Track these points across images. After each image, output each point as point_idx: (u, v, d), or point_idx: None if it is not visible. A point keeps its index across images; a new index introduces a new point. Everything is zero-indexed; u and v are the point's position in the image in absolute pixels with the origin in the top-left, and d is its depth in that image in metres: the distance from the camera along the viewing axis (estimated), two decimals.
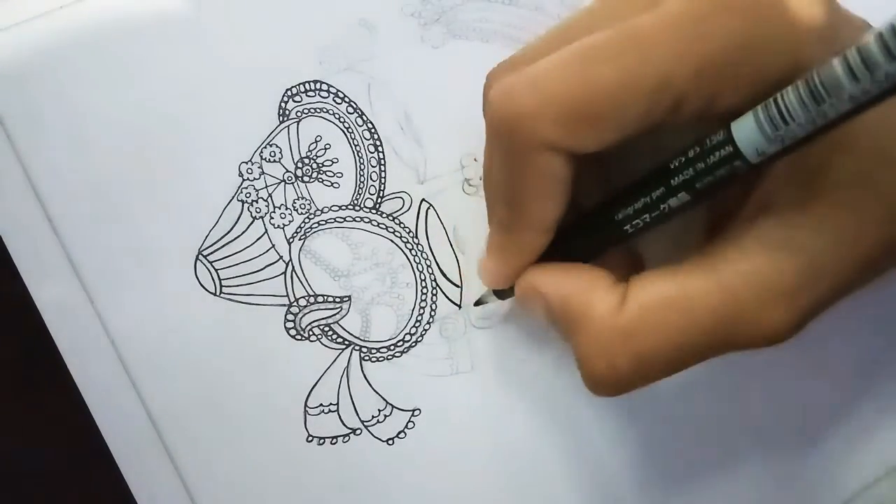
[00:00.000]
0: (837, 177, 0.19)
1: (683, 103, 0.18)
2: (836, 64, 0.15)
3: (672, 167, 0.19)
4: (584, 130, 0.19)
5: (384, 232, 0.26)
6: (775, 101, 0.16)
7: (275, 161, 0.25)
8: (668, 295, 0.19)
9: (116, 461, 0.24)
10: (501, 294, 0.24)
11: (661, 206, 0.19)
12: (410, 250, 0.26)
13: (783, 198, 0.19)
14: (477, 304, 0.26)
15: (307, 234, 0.25)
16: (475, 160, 0.26)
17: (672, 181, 0.19)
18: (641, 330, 0.19)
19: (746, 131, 0.17)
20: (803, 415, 0.27)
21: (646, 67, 0.18)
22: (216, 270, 0.25)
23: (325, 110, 0.25)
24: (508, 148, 0.20)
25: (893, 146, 0.19)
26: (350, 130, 0.25)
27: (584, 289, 0.21)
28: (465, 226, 0.26)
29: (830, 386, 0.27)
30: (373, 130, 0.26)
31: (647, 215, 0.20)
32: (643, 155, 0.20)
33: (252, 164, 0.25)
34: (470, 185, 0.26)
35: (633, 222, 0.20)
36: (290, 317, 0.25)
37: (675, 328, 0.19)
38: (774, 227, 0.19)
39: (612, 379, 0.20)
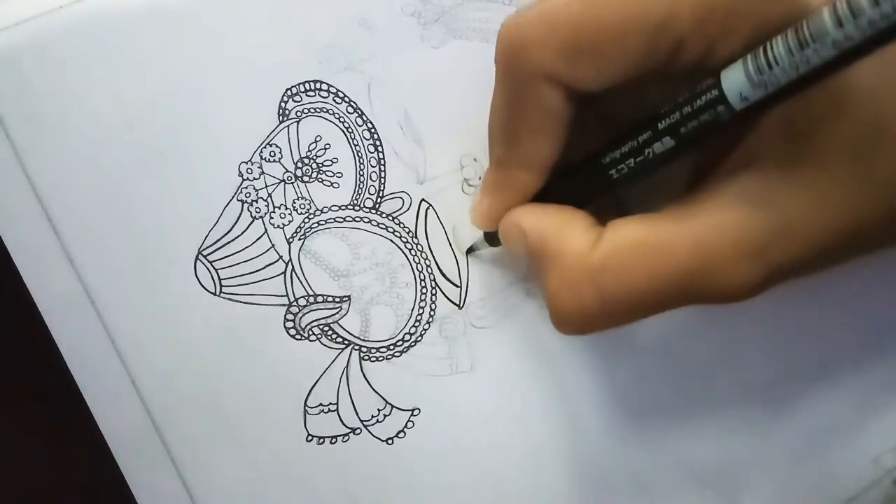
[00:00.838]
0: (827, 142, 0.19)
1: (683, 48, 0.18)
2: (825, 10, 0.15)
3: (661, 112, 0.19)
4: (584, 63, 0.19)
5: (384, 232, 0.26)
6: (764, 48, 0.17)
7: (274, 161, 0.25)
8: (639, 239, 0.20)
9: (117, 461, 0.24)
10: (492, 240, 0.24)
11: (646, 151, 0.20)
12: (410, 250, 0.26)
13: (767, 154, 0.19)
14: (469, 251, 0.26)
15: (307, 234, 0.25)
16: (475, 160, 0.26)
17: (659, 125, 0.19)
18: (610, 270, 0.20)
19: (733, 76, 0.17)
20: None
21: (648, 6, 0.18)
22: (216, 270, 0.25)
23: (324, 110, 0.25)
24: (512, 76, 0.20)
25: (890, 121, 0.18)
26: (350, 130, 0.25)
27: (561, 226, 0.21)
28: (464, 226, 0.26)
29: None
30: (372, 130, 0.26)
31: (632, 160, 0.20)
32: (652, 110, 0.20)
33: (252, 164, 0.25)
34: (469, 185, 0.26)
35: (619, 167, 0.20)
36: (289, 316, 0.25)
37: (643, 272, 0.19)
38: (753, 182, 0.19)
39: (576, 316, 0.20)
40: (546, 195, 0.22)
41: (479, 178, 0.26)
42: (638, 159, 0.20)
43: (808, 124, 0.19)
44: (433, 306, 0.26)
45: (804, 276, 0.20)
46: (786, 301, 0.26)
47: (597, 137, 0.22)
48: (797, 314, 0.27)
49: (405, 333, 0.26)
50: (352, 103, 0.25)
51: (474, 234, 0.26)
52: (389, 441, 0.26)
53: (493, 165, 0.23)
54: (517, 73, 0.20)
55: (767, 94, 0.17)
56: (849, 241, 0.19)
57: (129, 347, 0.24)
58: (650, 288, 0.20)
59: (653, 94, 0.20)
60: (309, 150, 0.25)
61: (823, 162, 0.19)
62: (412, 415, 0.26)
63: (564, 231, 0.21)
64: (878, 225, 0.19)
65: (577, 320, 0.21)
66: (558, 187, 0.22)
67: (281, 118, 0.25)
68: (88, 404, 0.24)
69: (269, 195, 0.25)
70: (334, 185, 0.25)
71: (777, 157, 0.19)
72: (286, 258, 0.25)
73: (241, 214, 0.25)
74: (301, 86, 0.25)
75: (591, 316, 0.20)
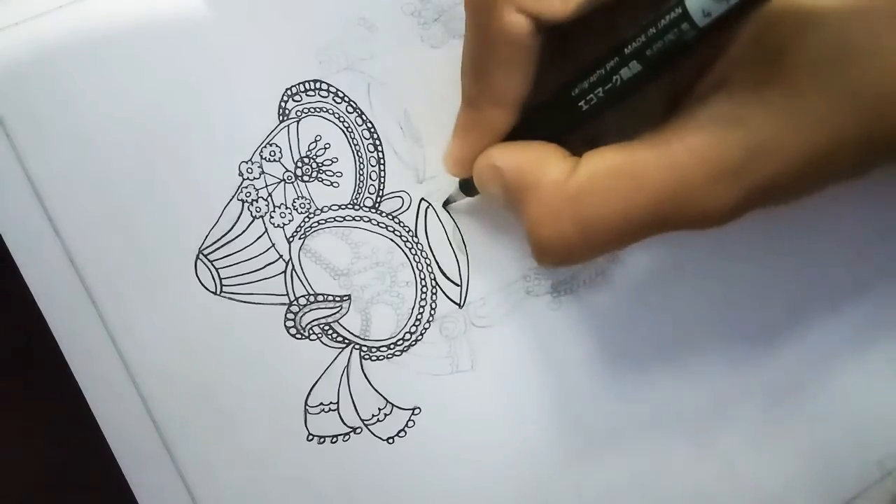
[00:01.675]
0: (795, 61, 0.18)
1: None
2: None
3: (627, 38, 0.19)
4: None
5: (384, 231, 0.26)
6: None
7: (275, 160, 0.25)
8: (616, 164, 0.20)
9: (118, 461, 0.24)
10: (468, 189, 0.24)
11: (614, 78, 0.20)
12: (410, 249, 0.26)
13: (738, 76, 0.19)
14: (445, 204, 0.26)
15: (307, 234, 0.25)
16: None
17: (625, 50, 0.19)
18: (588, 195, 0.20)
19: None
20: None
21: None
22: (216, 270, 0.25)
23: (324, 110, 0.25)
24: (480, 9, 0.20)
25: (859, 38, 0.18)
26: (350, 130, 0.26)
27: (537, 159, 0.21)
28: (464, 225, 0.26)
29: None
30: (372, 130, 0.26)
31: (600, 89, 0.20)
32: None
33: (252, 164, 0.25)
34: None
35: (588, 97, 0.20)
36: (290, 316, 0.25)
37: (621, 197, 0.19)
38: (726, 104, 0.19)
39: (558, 245, 0.20)
40: (518, 135, 0.22)
41: None
42: (606, 87, 0.20)
43: (775, 44, 0.19)
44: (433, 305, 0.26)
45: (782, 201, 0.20)
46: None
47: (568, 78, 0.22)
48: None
49: (406, 332, 0.26)
50: (351, 103, 0.25)
51: (474, 233, 0.25)
52: (390, 440, 0.25)
53: (464, 106, 0.23)
54: (485, 4, 0.20)
55: (730, 7, 0.17)
56: (824, 162, 0.19)
57: (129, 347, 0.24)
58: (628, 213, 0.19)
59: (621, 29, 0.20)
60: (309, 150, 0.25)
61: (793, 81, 0.18)
62: (413, 414, 0.26)
63: (541, 163, 0.21)
64: (852, 143, 0.19)
65: (557, 250, 0.20)
66: (530, 126, 0.22)
67: (281, 118, 0.25)
68: (89, 404, 0.24)
69: (270, 194, 0.25)
70: (334, 184, 0.25)
71: (748, 78, 0.19)
72: (286, 257, 0.25)
73: (241, 214, 0.25)
74: (301, 85, 0.25)
75: (572, 244, 0.20)
